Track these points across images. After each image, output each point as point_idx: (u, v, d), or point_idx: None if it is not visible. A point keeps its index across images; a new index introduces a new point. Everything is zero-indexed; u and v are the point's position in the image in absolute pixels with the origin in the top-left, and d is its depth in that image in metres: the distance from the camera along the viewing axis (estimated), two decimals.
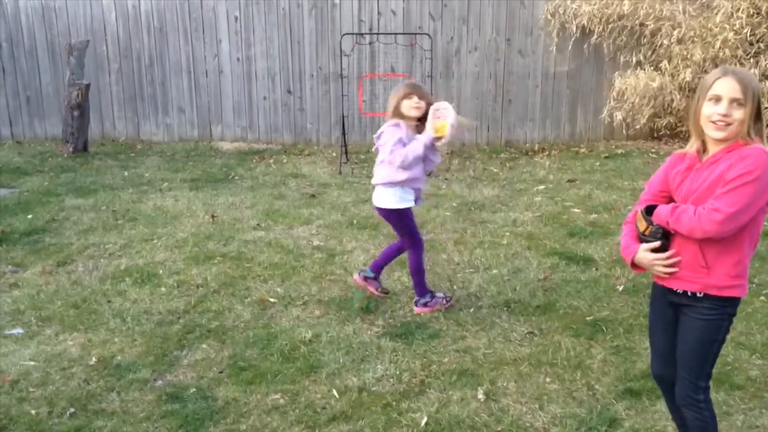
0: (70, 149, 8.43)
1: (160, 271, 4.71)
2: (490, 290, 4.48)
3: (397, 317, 4.11)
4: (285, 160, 8.30)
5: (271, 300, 4.30)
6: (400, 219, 4.08)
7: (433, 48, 8.89)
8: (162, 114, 9.53)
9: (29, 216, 5.96)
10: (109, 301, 4.26)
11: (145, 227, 5.66)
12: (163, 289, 4.45)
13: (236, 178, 7.56)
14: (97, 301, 4.26)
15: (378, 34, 8.75)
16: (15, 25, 9.25)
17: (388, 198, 4.05)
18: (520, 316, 4.12)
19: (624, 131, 8.87)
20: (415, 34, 8.75)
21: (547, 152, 8.67)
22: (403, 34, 8.77)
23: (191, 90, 9.42)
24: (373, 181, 4.10)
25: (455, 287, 4.55)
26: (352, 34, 8.77)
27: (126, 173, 7.67)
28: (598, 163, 7.92)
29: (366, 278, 4.34)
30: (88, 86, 8.37)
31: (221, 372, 3.48)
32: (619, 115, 8.50)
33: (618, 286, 4.49)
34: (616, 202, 6.34)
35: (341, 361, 3.59)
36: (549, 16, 8.74)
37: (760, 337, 3.82)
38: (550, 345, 3.76)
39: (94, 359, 3.57)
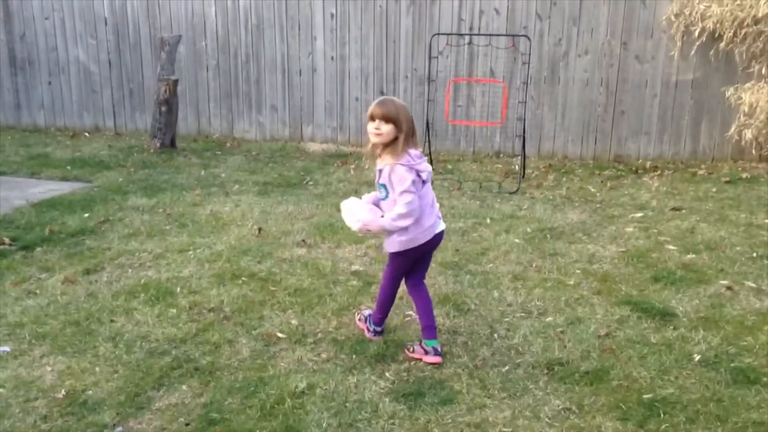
0: (158, 145, 8.43)
1: (178, 289, 4.38)
2: (535, 344, 3.78)
3: (413, 371, 3.51)
4: (367, 166, 7.83)
5: (279, 335, 3.84)
6: None
7: (540, 50, 8.12)
8: (255, 112, 9.39)
9: (86, 215, 5.87)
10: (112, 321, 3.97)
11: (189, 236, 5.39)
12: (173, 310, 4.10)
13: (310, 183, 7.21)
14: (100, 320, 3.98)
15: (471, 35, 8.08)
16: (121, 18, 9.41)
17: None
18: (562, 383, 3.40)
19: (754, 151, 7.65)
20: (513, 35, 8.01)
21: (659, 171, 7.65)
22: (498, 35, 8.05)
23: (284, 88, 9.20)
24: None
25: (495, 335, 3.89)
26: (444, 34, 8.15)
27: (203, 172, 7.52)
28: (714, 189, 6.84)
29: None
30: (176, 82, 8.31)
31: (188, 425, 3.05)
32: (748, 133, 7.34)
33: (695, 355, 3.64)
34: (722, 240, 5.34)
35: (324, 425, 3.04)
36: (673, 17, 7.70)
37: None
38: (587, 430, 3.04)
39: (63, 392, 3.25)
